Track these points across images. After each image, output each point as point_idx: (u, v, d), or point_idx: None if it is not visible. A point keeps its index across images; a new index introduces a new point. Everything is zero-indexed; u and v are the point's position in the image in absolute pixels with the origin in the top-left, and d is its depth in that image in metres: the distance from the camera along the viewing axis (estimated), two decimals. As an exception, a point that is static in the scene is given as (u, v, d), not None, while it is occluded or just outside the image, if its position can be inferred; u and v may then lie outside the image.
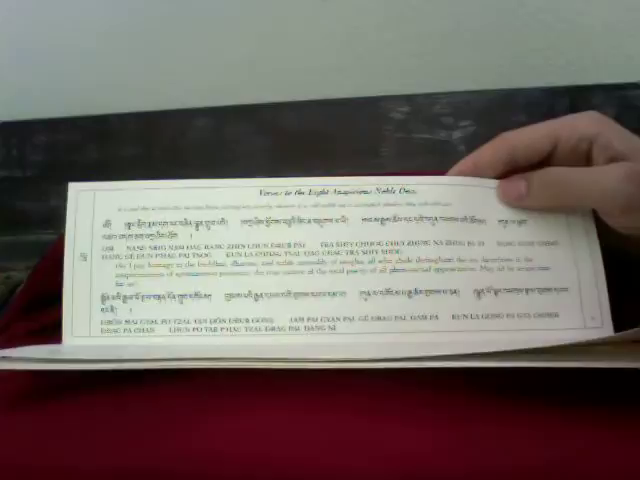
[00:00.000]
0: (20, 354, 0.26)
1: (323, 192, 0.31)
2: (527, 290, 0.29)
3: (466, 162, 0.31)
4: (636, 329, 0.22)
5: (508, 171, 0.30)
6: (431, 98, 0.52)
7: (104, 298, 0.30)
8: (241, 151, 0.54)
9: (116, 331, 0.30)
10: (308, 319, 0.29)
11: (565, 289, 0.29)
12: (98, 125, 0.56)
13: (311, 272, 0.30)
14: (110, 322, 0.30)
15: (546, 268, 0.30)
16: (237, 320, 0.29)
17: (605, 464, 0.20)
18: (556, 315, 0.29)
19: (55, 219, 0.54)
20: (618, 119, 0.29)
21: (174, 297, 0.30)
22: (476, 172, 0.30)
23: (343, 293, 0.29)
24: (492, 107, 0.52)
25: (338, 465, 0.21)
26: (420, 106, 0.52)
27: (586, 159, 0.29)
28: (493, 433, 0.22)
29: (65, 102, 0.57)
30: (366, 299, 0.29)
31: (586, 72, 0.52)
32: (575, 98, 0.50)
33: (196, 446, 0.22)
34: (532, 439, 0.21)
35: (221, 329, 0.29)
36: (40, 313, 0.36)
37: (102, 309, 0.30)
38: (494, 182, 0.30)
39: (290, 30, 0.55)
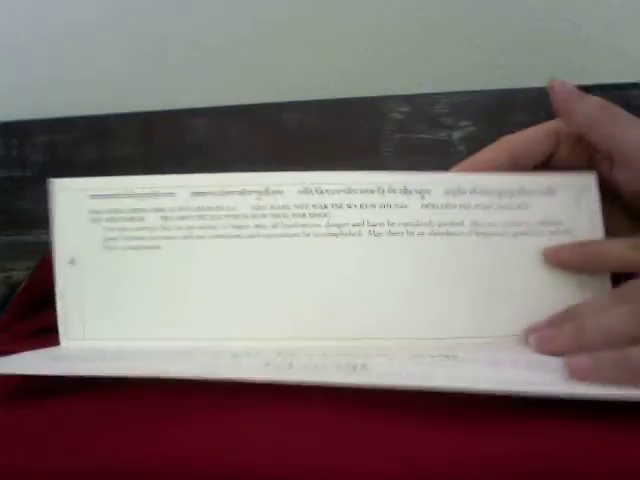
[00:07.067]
0: (17, 362, 0.26)
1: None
2: None
3: (466, 164, 0.30)
4: None
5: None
6: (431, 98, 0.52)
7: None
8: (241, 151, 0.54)
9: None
10: None
11: None
12: (98, 125, 0.56)
13: None
14: None
15: None
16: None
17: (606, 463, 0.20)
18: None
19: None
20: (618, 119, 0.29)
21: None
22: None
23: None
24: (492, 107, 0.52)
25: (337, 467, 0.21)
26: (420, 106, 0.52)
27: (588, 152, 0.30)
28: (494, 433, 0.22)
29: (65, 102, 0.57)
30: None
31: (586, 72, 0.52)
32: (575, 98, 0.50)
33: (195, 447, 0.22)
34: (533, 439, 0.21)
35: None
36: (40, 313, 0.36)
37: None
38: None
39: (290, 30, 0.55)
